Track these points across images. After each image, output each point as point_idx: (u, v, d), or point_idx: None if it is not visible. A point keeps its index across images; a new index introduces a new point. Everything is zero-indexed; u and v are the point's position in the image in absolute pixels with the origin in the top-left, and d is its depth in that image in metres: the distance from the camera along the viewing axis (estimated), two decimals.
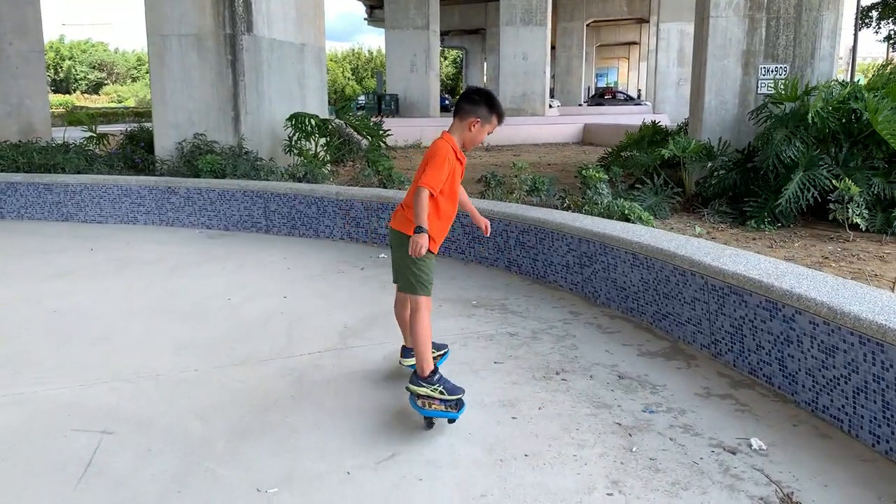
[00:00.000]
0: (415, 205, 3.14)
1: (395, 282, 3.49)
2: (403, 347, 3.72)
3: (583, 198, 7.82)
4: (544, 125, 22.56)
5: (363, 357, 4.01)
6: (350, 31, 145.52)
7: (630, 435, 3.07)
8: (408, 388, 3.18)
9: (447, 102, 46.22)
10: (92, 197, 8.28)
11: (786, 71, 8.62)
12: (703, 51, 8.95)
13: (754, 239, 6.88)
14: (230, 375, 3.77)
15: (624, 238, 4.59)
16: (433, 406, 3.11)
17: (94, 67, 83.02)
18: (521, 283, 5.52)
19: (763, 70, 8.70)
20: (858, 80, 9.36)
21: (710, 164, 8.25)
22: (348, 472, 2.79)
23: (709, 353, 3.95)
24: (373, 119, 11.32)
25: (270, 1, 9.72)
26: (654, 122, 11.55)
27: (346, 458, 2.89)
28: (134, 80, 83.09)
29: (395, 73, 31.11)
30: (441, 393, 3.12)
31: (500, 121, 3.41)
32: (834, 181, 7.11)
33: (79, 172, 9.13)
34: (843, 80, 8.53)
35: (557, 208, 7.67)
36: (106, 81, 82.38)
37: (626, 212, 5.52)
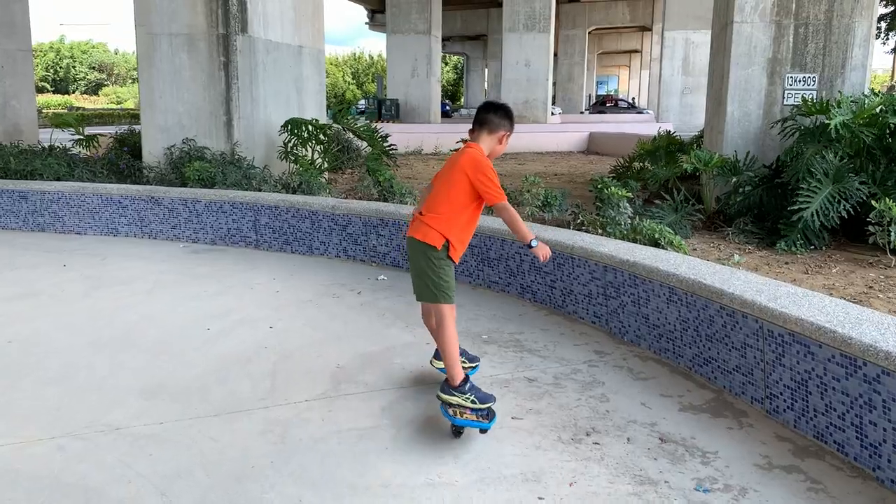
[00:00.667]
0: (512, 224, 3.26)
1: (415, 292, 3.45)
2: (437, 350, 3.63)
3: (598, 214, 7.27)
4: (548, 133, 22.02)
5: (357, 408, 3.43)
6: (352, 36, 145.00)
7: None
8: (439, 397, 3.16)
9: (448, 108, 45.77)
10: (70, 206, 7.71)
11: (815, 81, 8.07)
12: (725, 58, 8.41)
13: (787, 263, 6.31)
14: (202, 430, 3.19)
15: (659, 269, 4.02)
16: (465, 416, 3.09)
17: (93, 68, 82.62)
18: (536, 313, 4.95)
19: (790, 80, 8.15)
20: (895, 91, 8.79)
21: (734, 180, 7.69)
22: None
23: (762, 410, 3.38)
24: (373, 124, 10.78)
25: (267, 0, 9.18)
26: (668, 133, 10.99)
27: None
28: (134, 81, 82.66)
29: (396, 77, 30.63)
30: (473, 402, 3.12)
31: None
32: (870, 199, 6.56)
33: (58, 179, 8.56)
34: (879, 92, 7.97)
35: (570, 225, 7.12)
36: (106, 82, 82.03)
37: (657, 236, 4.94)
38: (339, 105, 18.67)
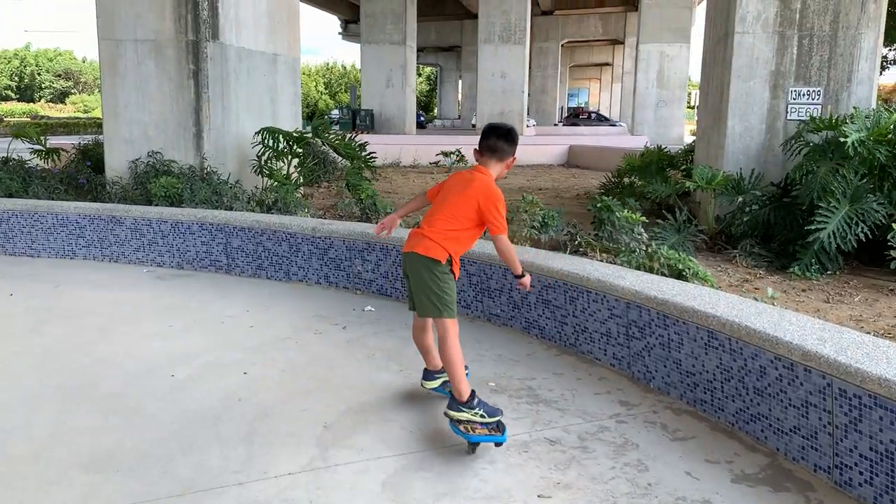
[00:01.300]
0: (507, 256, 3.35)
1: (411, 308, 3.49)
2: (425, 370, 3.64)
3: (596, 236, 6.79)
4: (528, 146, 21.56)
5: (352, 484, 2.86)
6: (323, 46, 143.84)
7: None
8: (447, 415, 3.15)
9: (422, 119, 45.28)
10: (22, 226, 7.02)
11: (819, 95, 7.68)
12: (725, 71, 7.99)
13: (804, 290, 5.86)
14: None
15: (695, 309, 3.51)
16: (477, 431, 3.08)
17: (60, 76, 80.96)
18: (545, 353, 4.41)
19: (794, 93, 7.75)
20: None
21: (740, 199, 7.25)
22: None
23: (831, 481, 2.88)
24: (349, 135, 10.18)
25: (240, 5, 8.58)
26: (659, 147, 10.58)
27: None
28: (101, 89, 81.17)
29: (370, 88, 30.10)
30: (482, 417, 3.10)
31: None
32: (889, 220, 6.16)
33: (10, 195, 7.86)
34: (890, 107, 7.59)
35: (566, 247, 6.62)
36: (72, 91, 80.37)
37: (680, 266, 4.43)
38: (313, 116, 18.04)
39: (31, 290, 5.77)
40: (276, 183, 8.40)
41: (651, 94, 29.09)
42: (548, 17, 42.31)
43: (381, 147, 17.57)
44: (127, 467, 2.96)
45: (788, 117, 7.78)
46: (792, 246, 6.69)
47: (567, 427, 3.37)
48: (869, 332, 4.48)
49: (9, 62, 76.47)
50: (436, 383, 3.61)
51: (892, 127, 6.69)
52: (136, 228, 6.72)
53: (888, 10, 7.98)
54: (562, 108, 53.39)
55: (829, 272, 6.36)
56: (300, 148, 8.82)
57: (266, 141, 8.40)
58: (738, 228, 7.17)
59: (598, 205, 6.78)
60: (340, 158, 10.66)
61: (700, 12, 34.06)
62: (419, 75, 69.03)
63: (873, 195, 6.44)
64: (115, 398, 3.65)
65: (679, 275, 4.43)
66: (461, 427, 3.07)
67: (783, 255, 6.78)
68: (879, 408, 2.64)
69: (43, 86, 78.37)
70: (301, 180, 9.16)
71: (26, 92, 76.08)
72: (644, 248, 5.03)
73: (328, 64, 78.14)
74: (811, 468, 2.97)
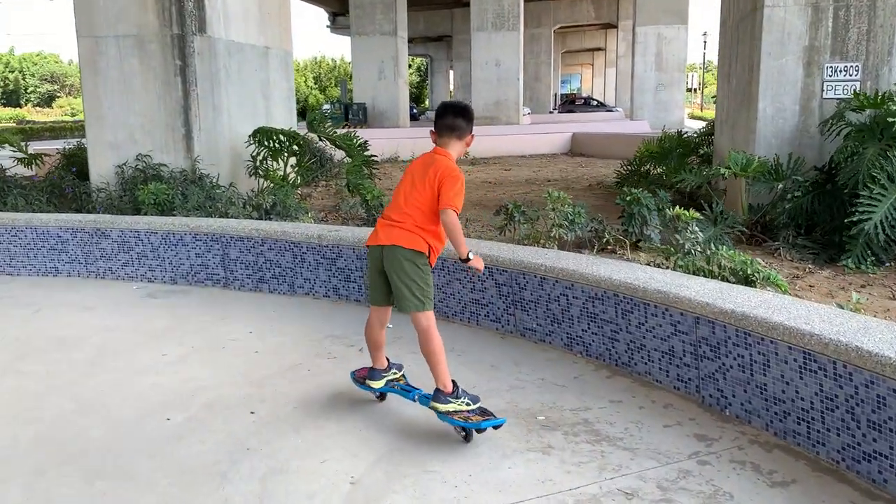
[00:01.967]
0: (453, 234, 3.11)
1: (372, 302, 3.40)
2: (371, 370, 3.47)
3: (625, 232, 6.24)
4: (529, 134, 21.03)
5: None
6: (310, 40, 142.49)
7: None
8: (434, 408, 3.09)
9: (415, 111, 44.56)
10: None
11: (857, 71, 7.12)
12: (754, 49, 7.42)
13: (863, 286, 5.32)
14: None
15: (784, 325, 2.96)
16: (474, 418, 3.05)
17: (45, 79, 79.99)
18: (595, 374, 3.86)
19: (830, 70, 7.18)
20: None
21: (780, 186, 6.69)
22: None
23: None
24: (341, 129, 9.58)
25: None
26: (679, 132, 10.02)
27: None
28: None
29: (362, 81, 29.40)
30: (468, 404, 3.09)
31: None
32: None
33: None
34: None
35: (593, 246, 6.09)
36: (59, 94, 79.39)
37: (749, 270, 3.87)
38: (305, 111, 17.47)
39: (9, 314, 5.20)
40: (272, 184, 7.84)
41: (650, 78, 28.54)
42: (539, 3, 41.59)
43: (377, 141, 16.98)
44: None
45: (824, 96, 7.21)
46: (838, 236, 6.15)
47: (642, 474, 2.82)
48: None
49: None
50: (381, 383, 3.45)
51: None
52: (124, 241, 6.14)
53: None
54: (556, 95, 52.76)
55: (884, 264, 5.82)
56: (297, 146, 8.24)
57: (260, 140, 7.83)
58: (780, 218, 6.61)
59: (628, 198, 6.24)
60: (337, 156, 10.11)
61: None
62: (410, 66, 68.27)
63: None
64: (100, 455, 3.08)
65: (747, 280, 3.87)
66: (457, 417, 3.05)
67: (829, 245, 6.24)
68: None
69: (29, 90, 77.38)
70: (299, 181, 8.59)
71: (12, 97, 75.08)
72: (699, 250, 4.46)
73: (317, 58, 77.24)
74: None
